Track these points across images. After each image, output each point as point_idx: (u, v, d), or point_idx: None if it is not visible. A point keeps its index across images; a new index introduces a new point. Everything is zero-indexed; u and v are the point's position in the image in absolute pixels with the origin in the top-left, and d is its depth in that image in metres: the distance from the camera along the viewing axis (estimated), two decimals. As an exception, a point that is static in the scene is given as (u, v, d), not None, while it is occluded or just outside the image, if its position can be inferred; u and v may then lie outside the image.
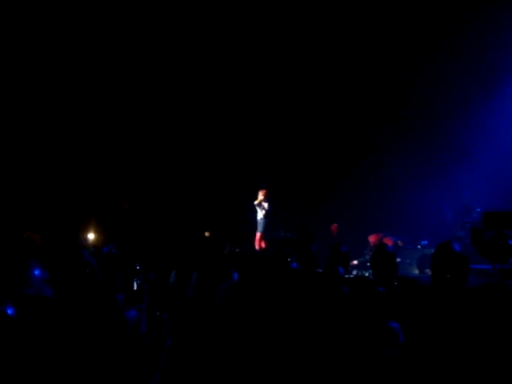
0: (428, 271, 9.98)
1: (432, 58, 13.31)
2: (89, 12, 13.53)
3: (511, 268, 5.98)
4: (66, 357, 2.76)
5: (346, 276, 5.99)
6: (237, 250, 10.50)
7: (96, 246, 11.13)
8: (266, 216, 12.34)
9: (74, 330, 2.85)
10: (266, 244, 12.32)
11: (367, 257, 11.54)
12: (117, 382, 2.74)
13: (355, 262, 11.88)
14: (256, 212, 12.49)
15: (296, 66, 14.40)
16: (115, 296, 3.77)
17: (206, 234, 12.97)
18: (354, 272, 11.12)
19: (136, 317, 3.10)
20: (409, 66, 13.56)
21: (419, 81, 13.62)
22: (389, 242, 11.48)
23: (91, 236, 12.84)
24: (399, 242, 11.99)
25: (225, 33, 14.11)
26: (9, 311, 2.92)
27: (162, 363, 2.99)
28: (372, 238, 12.09)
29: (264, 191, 12.45)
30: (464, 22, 12.71)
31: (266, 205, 12.34)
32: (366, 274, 10.47)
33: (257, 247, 12.29)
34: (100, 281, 3.68)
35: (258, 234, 12.43)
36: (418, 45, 13.28)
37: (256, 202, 12.36)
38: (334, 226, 14.04)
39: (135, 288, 4.24)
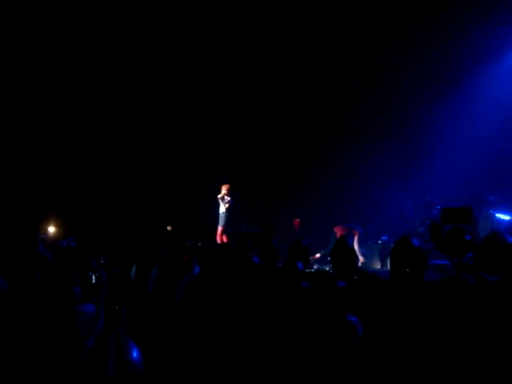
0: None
1: (398, 53, 13.36)
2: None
3: (468, 262, 6.05)
4: (15, 348, 2.71)
5: (307, 270, 6.02)
6: (199, 243, 10.48)
7: (56, 239, 10.98)
8: (228, 210, 12.34)
9: (26, 322, 2.80)
10: (227, 238, 12.32)
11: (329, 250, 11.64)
12: (66, 374, 2.70)
13: (318, 256, 11.96)
14: (218, 206, 12.47)
15: (260, 58, 14.38)
16: (70, 289, 3.72)
17: (168, 227, 12.92)
18: (315, 266, 11.18)
19: (93, 310, 3.06)
20: (376, 62, 13.60)
21: (383, 77, 13.71)
22: (355, 233, 11.65)
23: (51, 229, 12.67)
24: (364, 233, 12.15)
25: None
26: None
27: (117, 357, 2.95)
28: (339, 230, 12.14)
29: (227, 185, 12.45)
30: (430, 14, 12.79)
31: (228, 199, 12.33)
32: (327, 268, 10.53)
33: (218, 241, 12.29)
34: (54, 273, 3.62)
35: (220, 228, 12.42)
36: (385, 40, 13.31)
37: (219, 196, 12.34)
38: (297, 221, 14.12)
39: (94, 281, 4.20)
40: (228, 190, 12.41)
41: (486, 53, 12.92)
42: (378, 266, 11.94)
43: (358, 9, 13.31)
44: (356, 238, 11.43)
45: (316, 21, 13.57)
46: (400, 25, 12.98)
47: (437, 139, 13.32)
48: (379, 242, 12.55)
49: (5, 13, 12.64)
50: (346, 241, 4.96)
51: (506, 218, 10.57)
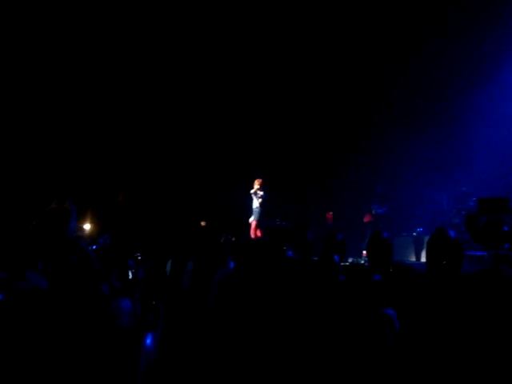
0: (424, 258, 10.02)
1: (435, 46, 13.19)
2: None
3: (506, 254, 5.97)
4: (58, 349, 2.76)
5: (342, 264, 6.00)
6: (233, 238, 10.53)
7: (92, 236, 11.15)
8: (261, 205, 12.33)
9: (67, 321, 2.84)
10: (261, 233, 12.32)
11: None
12: (105, 372, 2.74)
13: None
14: (252, 201, 12.48)
15: (289, 58, 14.35)
16: (111, 285, 3.77)
17: (202, 223, 12.99)
18: (350, 260, 11.14)
19: (130, 306, 3.09)
20: (412, 54, 13.44)
21: (415, 73, 13.56)
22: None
23: (87, 226, 12.86)
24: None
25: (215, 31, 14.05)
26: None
27: (156, 352, 2.98)
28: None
29: (260, 180, 12.44)
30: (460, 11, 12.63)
31: (261, 193, 12.32)
32: (362, 262, 10.49)
33: (252, 236, 12.30)
34: (96, 270, 3.68)
35: (254, 223, 12.42)
36: (422, 32, 13.16)
37: (252, 191, 12.35)
38: (330, 214, 14.10)
39: (130, 277, 4.25)
40: (261, 184, 12.40)
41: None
42: (413, 258, 11.85)
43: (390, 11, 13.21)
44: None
45: (351, 13, 13.48)
46: (438, 14, 12.81)
47: (473, 129, 13.13)
48: (414, 234, 12.45)
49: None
50: (382, 233, 4.92)
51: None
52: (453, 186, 12.82)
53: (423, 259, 10.67)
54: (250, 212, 12.52)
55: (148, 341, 2.88)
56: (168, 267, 7.48)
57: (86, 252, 3.73)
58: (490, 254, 6.66)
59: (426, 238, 4.12)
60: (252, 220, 12.37)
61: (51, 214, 4.00)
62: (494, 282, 3.59)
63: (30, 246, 3.77)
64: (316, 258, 5.49)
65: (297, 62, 14.46)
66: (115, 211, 13.21)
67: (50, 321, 2.83)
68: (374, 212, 13.24)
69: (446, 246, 3.82)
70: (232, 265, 6.18)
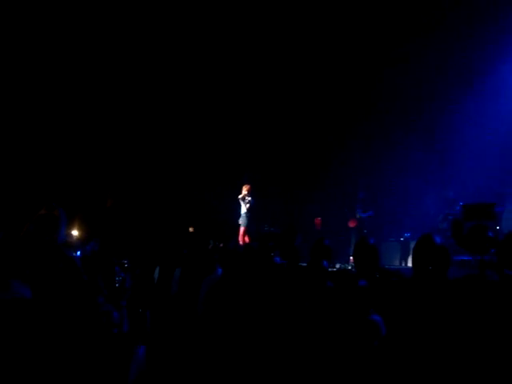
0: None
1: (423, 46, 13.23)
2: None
3: (492, 259, 6.00)
4: (46, 356, 2.75)
5: (330, 270, 6.01)
6: (220, 245, 10.51)
7: (80, 242, 11.10)
8: (249, 210, 12.31)
9: (55, 330, 2.83)
10: (249, 239, 12.31)
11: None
12: (94, 380, 2.73)
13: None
14: (240, 207, 12.47)
15: (277, 58, 14.35)
16: (102, 292, 3.77)
17: (190, 229, 12.96)
18: (338, 265, 11.16)
19: (117, 314, 3.09)
20: (400, 57, 13.46)
21: (402, 77, 13.60)
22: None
23: (75, 233, 12.80)
24: None
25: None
26: None
27: (143, 359, 2.98)
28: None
29: (248, 186, 12.42)
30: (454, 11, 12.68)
31: (249, 199, 12.31)
32: (349, 267, 10.51)
33: (240, 242, 12.29)
34: (83, 279, 3.66)
35: (242, 229, 12.41)
36: (411, 32, 13.17)
37: (240, 197, 12.34)
38: (318, 220, 14.13)
39: (117, 285, 4.24)
40: (248, 190, 12.38)
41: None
42: (400, 263, 11.91)
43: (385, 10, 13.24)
44: None
45: (349, 14, 13.48)
46: (429, 15, 12.85)
47: (459, 135, 13.18)
48: (401, 239, 12.51)
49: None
50: (368, 239, 4.94)
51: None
52: (440, 191, 12.88)
53: (410, 264, 10.72)
54: (238, 218, 12.51)
55: (139, 349, 2.88)
56: (156, 274, 7.47)
57: (73, 260, 3.71)
58: (476, 260, 6.70)
59: (413, 244, 4.15)
60: (240, 225, 12.38)
61: (41, 220, 3.98)
62: (481, 287, 3.62)
63: (18, 254, 3.75)
64: (304, 264, 5.50)
65: (285, 68, 14.47)
66: (103, 217, 13.16)
67: (32, 331, 2.82)
68: (358, 216, 13.32)
69: (432, 251, 3.84)
70: (220, 271, 6.18)
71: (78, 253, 8.05)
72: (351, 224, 13.50)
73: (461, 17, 12.58)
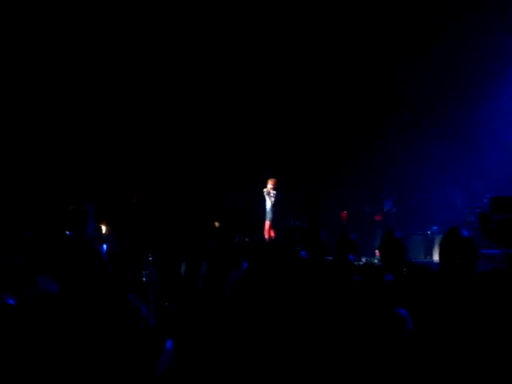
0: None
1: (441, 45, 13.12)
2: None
3: (520, 252, 5.93)
4: (71, 354, 2.78)
5: (356, 263, 5.99)
6: (246, 239, 10.51)
7: (108, 236, 11.20)
8: (274, 205, 12.28)
9: (78, 325, 2.86)
10: (275, 233, 12.29)
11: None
12: (123, 375, 2.76)
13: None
14: (265, 201, 12.45)
15: (300, 57, 14.32)
16: (132, 288, 3.81)
17: (216, 223, 13.00)
18: (363, 259, 11.13)
19: (145, 309, 3.12)
20: (424, 53, 13.36)
21: (428, 69, 13.49)
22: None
23: (103, 228, 12.91)
24: None
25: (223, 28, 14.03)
26: (10, 301, 2.92)
27: (171, 354, 3.01)
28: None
29: (273, 180, 12.39)
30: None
31: (274, 193, 12.27)
32: (375, 261, 10.47)
33: (266, 236, 12.28)
34: (110, 274, 3.70)
35: (267, 223, 12.39)
36: (433, 30, 13.07)
37: (265, 190, 12.31)
38: (344, 213, 14.09)
39: (144, 280, 4.27)
40: (274, 184, 12.35)
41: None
42: (426, 257, 11.82)
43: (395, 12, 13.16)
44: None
45: (363, 12, 13.43)
46: (451, 14, 12.73)
47: (487, 128, 13.05)
48: (428, 232, 12.42)
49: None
50: (395, 233, 4.91)
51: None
52: (467, 184, 12.77)
53: (434, 259, 10.63)
54: (263, 212, 12.50)
55: (167, 343, 2.90)
56: (182, 269, 7.51)
57: (100, 254, 3.75)
58: (504, 253, 6.62)
59: (438, 238, 4.12)
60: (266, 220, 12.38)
61: (70, 215, 4.03)
62: (508, 280, 3.58)
63: (47, 250, 3.80)
64: (330, 258, 5.50)
65: (310, 63, 14.43)
66: (129, 213, 13.24)
67: (58, 326, 2.85)
68: (385, 210, 13.30)
69: (459, 245, 3.81)
70: (245, 266, 6.19)
71: (104, 247, 8.13)
72: (377, 217, 13.48)
73: (491, 6, 12.44)
